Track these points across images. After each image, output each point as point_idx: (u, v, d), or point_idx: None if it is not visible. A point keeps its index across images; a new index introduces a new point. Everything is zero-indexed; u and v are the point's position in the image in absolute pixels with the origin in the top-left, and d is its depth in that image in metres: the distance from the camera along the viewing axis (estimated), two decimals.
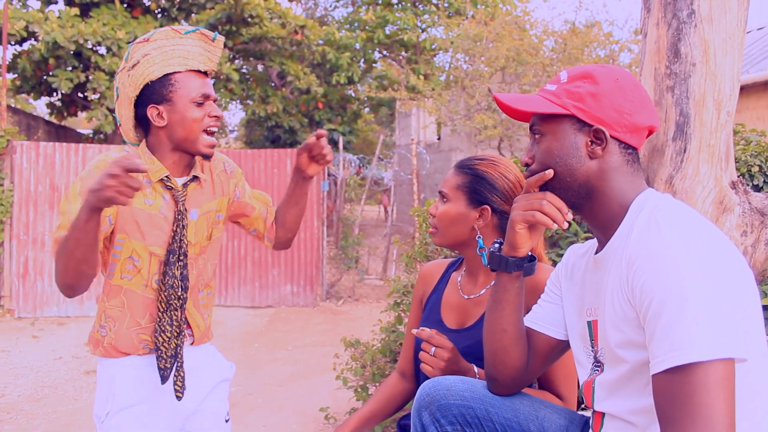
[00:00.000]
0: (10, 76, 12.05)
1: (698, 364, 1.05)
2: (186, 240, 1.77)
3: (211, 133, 1.77)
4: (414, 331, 1.66)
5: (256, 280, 8.55)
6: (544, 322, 1.51)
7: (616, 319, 1.24)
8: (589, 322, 1.37)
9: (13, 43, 11.40)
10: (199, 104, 1.73)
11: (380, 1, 16.57)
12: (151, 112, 1.73)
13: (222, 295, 8.52)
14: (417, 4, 16.11)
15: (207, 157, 1.78)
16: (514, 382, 1.49)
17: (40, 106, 20.15)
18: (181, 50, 1.73)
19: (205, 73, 1.78)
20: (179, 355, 1.77)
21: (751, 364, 1.12)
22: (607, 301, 1.27)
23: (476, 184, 1.74)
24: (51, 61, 10.86)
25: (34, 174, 7.89)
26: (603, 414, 1.34)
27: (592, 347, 1.37)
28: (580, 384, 1.42)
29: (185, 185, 1.80)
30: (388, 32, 15.99)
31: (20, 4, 11.49)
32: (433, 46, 14.91)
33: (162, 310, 1.75)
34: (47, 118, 13.79)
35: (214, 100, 1.77)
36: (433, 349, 1.61)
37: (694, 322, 1.06)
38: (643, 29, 2.36)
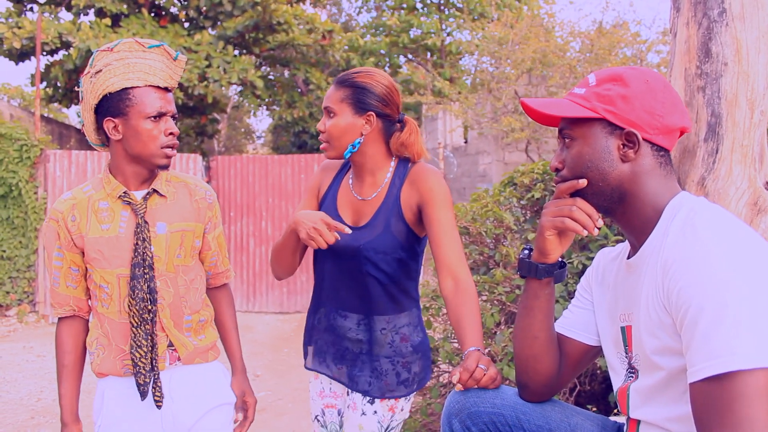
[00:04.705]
0: (43, 86, 12.31)
1: (738, 372, 1.02)
2: (150, 253, 1.76)
3: (170, 149, 1.75)
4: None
5: (284, 286, 8.59)
6: (575, 327, 1.49)
7: (652, 325, 1.21)
8: (622, 328, 1.35)
9: (45, 53, 11.64)
10: (155, 120, 1.72)
11: (405, 6, 16.58)
12: (107, 125, 1.73)
13: (250, 301, 8.58)
14: (442, 8, 16.08)
15: (163, 167, 1.77)
16: (545, 389, 1.47)
17: (72, 115, 20.53)
18: (143, 64, 1.72)
19: (167, 89, 1.76)
20: (156, 369, 1.77)
21: None
22: (641, 306, 1.25)
23: (359, 95, 1.87)
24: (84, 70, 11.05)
25: (66, 182, 8.03)
26: (638, 421, 1.31)
27: (626, 353, 1.35)
28: (615, 390, 1.39)
29: (145, 198, 1.80)
30: (412, 36, 15.99)
31: (53, 16, 11.73)
32: (459, 49, 14.87)
33: (135, 325, 1.74)
34: (79, 126, 14.05)
35: (174, 116, 1.76)
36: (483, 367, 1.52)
37: (733, 329, 1.03)
38: (672, 29, 2.32)
